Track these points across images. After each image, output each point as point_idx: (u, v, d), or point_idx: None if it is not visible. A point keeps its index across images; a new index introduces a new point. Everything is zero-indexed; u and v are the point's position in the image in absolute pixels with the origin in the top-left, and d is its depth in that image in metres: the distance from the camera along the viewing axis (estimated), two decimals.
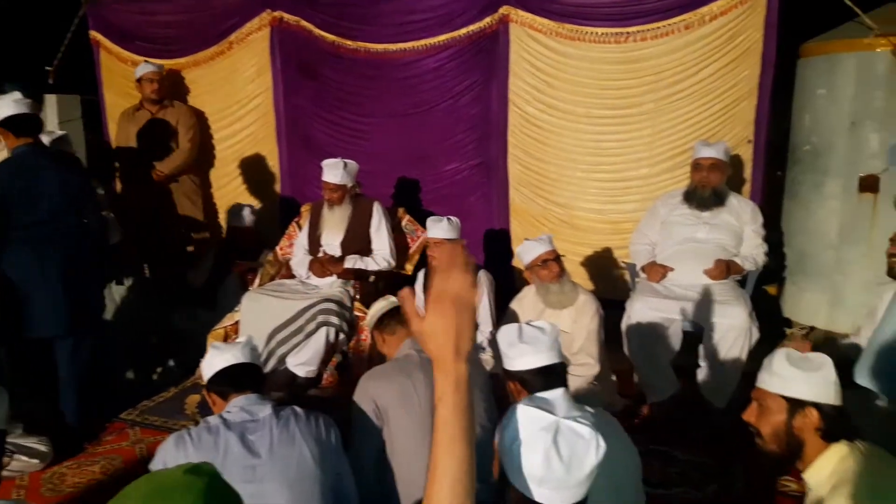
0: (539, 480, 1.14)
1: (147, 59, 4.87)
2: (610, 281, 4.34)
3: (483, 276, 3.55)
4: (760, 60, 3.88)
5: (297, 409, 2.02)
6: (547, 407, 1.19)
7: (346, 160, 3.82)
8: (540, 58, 4.30)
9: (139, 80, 4.68)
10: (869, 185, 3.83)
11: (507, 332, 1.96)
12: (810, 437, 1.62)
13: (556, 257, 3.18)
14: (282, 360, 3.50)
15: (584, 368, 3.09)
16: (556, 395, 1.24)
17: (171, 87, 4.92)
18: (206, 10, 4.97)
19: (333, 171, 3.76)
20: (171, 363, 4.06)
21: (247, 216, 4.55)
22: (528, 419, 1.18)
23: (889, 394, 2.31)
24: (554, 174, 4.44)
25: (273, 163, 5.07)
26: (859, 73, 3.77)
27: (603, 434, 1.17)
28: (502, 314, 3.57)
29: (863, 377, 2.34)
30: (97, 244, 3.32)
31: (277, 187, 5.08)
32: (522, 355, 1.88)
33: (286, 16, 4.78)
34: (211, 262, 4.54)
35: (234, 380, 2.04)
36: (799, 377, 1.62)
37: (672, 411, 3.30)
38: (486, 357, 3.37)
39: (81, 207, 3.16)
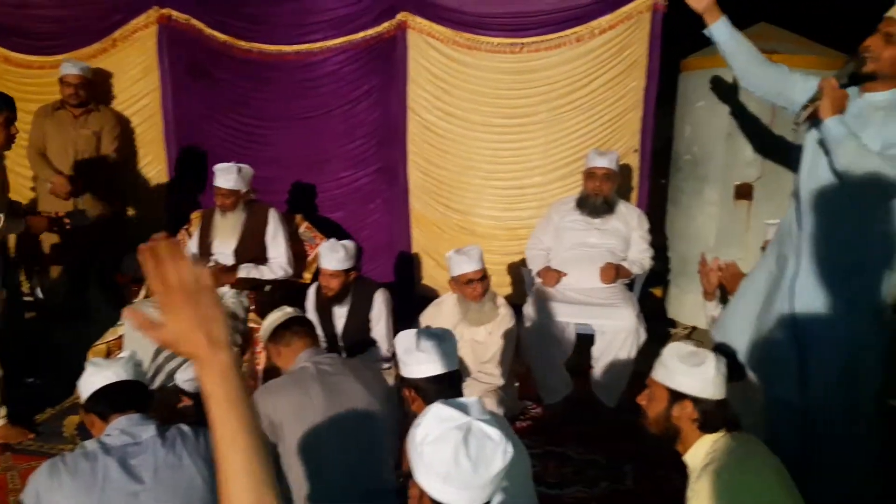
0: (445, 478, 1.16)
1: (69, 58, 4.51)
2: (507, 286, 4.44)
3: (380, 295, 3.45)
4: (646, 73, 4.10)
5: (184, 427, 1.91)
6: (461, 409, 1.22)
7: (240, 164, 3.68)
8: (438, 65, 4.34)
9: (60, 81, 4.31)
10: (743, 192, 4.11)
11: (404, 339, 1.95)
12: (687, 426, 1.76)
13: (482, 277, 3.10)
14: (170, 376, 3.32)
15: (490, 378, 3.12)
16: (471, 401, 1.26)
17: (95, 90, 4.55)
18: (89, 4, 4.66)
19: (226, 176, 3.61)
20: (32, 380, 3.77)
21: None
22: (442, 417, 1.20)
23: (765, 379, 2.49)
24: (453, 181, 4.49)
25: (161, 167, 4.82)
26: (735, 87, 4.03)
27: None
28: (407, 321, 3.54)
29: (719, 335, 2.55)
30: None
31: (165, 192, 4.84)
32: (419, 363, 1.89)
33: (175, 13, 4.57)
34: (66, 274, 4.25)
35: (114, 399, 1.90)
36: (681, 371, 1.74)
37: (567, 412, 3.41)
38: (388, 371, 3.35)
39: None
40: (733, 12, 3.63)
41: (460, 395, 1.93)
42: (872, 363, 2.26)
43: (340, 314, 3.42)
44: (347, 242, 3.34)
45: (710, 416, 1.73)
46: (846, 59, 2.26)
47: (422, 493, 1.20)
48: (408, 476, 1.26)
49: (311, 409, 2.12)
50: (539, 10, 4.09)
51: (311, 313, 3.47)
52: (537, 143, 4.33)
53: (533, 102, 4.26)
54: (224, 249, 3.67)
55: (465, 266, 3.07)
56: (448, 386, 1.87)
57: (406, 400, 1.97)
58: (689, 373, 1.74)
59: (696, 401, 1.73)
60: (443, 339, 1.93)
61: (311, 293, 3.50)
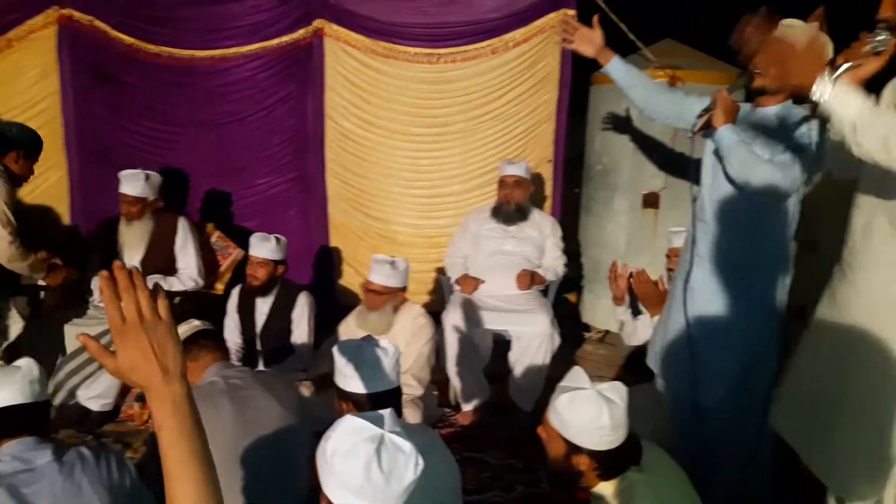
0: (357, 491, 1.14)
1: None
2: (427, 294, 4.46)
3: (304, 297, 3.45)
4: (558, 86, 4.22)
5: (85, 451, 1.79)
6: (374, 420, 1.20)
7: (147, 171, 3.56)
8: (356, 73, 4.32)
9: None
10: (651, 201, 4.29)
11: (345, 349, 1.90)
12: (588, 473, 1.71)
13: (386, 291, 3.07)
14: (72, 393, 3.16)
15: (409, 389, 3.11)
16: (385, 412, 1.25)
17: None
18: None
19: (133, 183, 3.48)
20: None
21: None
22: (354, 429, 1.18)
23: (665, 377, 2.61)
24: (373, 189, 4.47)
25: (60, 174, 4.57)
26: None
27: (424, 450, 1.19)
28: (326, 329, 3.52)
29: (651, 363, 2.63)
30: None
31: (66, 201, 4.60)
32: (360, 378, 1.84)
33: (77, 14, 4.34)
34: None
35: (4, 423, 1.78)
36: (575, 426, 1.66)
37: (485, 417, 3.45)
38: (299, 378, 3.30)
39: None
40: (639, 28, 3.82)
41: (400, 412, 1.91)
42: (769, 362, 2.40)
43: (263, 311, 3.41)
44: (278, 236, 3.41)
45: (610, 463, 1.68)
46: (739, 74, 2.40)
47: (350, 410, 1.19)
48: (316, 489, 1.24)
49: (220, 424, 2.05)
50: (454, 21, 4.14)
51: (232, 314, 3.43)
52: (455, 153, 4.38)
53: (450, 112, 4.31)
54: (131, 260, 3.53)
55: (373, 273, 3.11)
56: (387, 404, 1.75)
57: (341, 412, 1.92)
58: (584, 428, 1.65)
59: (593, 454, 1.66)
60: (387, 354, 1.89)
61: (235, 292, 3.53)
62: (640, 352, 4.10)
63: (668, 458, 1.84)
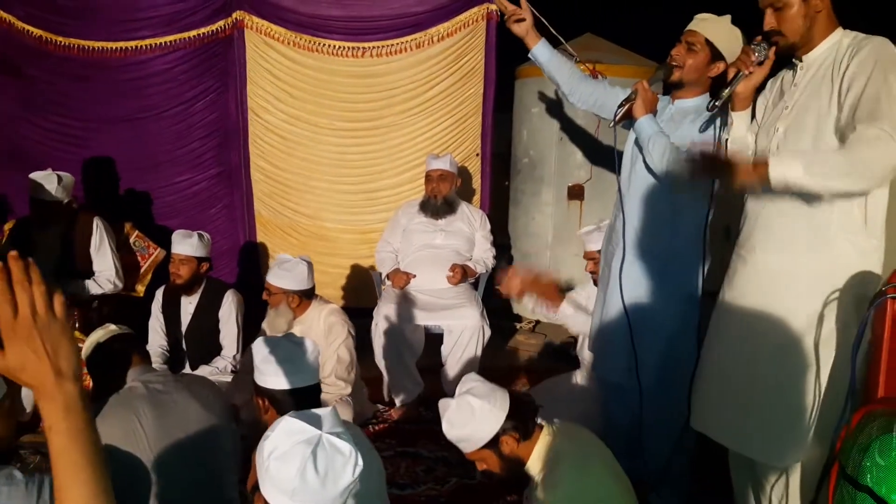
0: (292, 493, 1.13)
1: None
2: (359, 289, 4.43)
3: (231, 294, 3.38)
4: (483, 80, 4.25)
5: (17, 473, 1.51)
6: (313, 421, 1.19)
7: (60, 173, 3.39)
8: (279, 66, 4.24)
9: None
10: (576, 193, 4.39)
11: (262, 346, 1.88)
12: (520, 449, 1.83)
13: (282, 292, 3.03)
14: None
15: (337, 388, 3.08)
16: (325, 411, 1.24)
17: None
18: None
19: (45, 186, 3.32)
20: None
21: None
22: (291, 430, 1.17)
23: (600, 370, 2.67)
24: (300, 185, 4.41)
25: None
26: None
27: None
28: (253, 328, 3.44)
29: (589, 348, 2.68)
30: None
31: None
32: (277, 374, 1.82)
33: None
34: None
35: None
36: (474, 424, 1.81)
37: (419, 411, 3.46)
38: (226, 379, 3.23)
39: None
40: (560, 23, 3.88)
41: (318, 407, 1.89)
42: (689, 346, 2.49)
43: (188, 310, 3.33)
44: (201, 232, 3.32)
45: (521, 425, 1.82)
46: (657, 67, 2.49)
47: (268, 407, 1.16)
48: (254, 489, 1.22)
49: (140, 431, 1.99)
50: (378, 14, 4.12)
51: (157, 315, 3.34)
52: (384, 147, 4.36)
53: (378, 107, 4.29)
54: (45, 264, 3.36)
55: (270, 276, 3.06)
56: (306, 401, 1.81)
57: (258, 409, 1.90)
58: (481, 420, 1.80)
59: (504, 431, 1.80)
60: (306, 351, 1.88)
61: (158, 293, 3.44)
62: (567, 343, 4.21)
63: (593, 435, 1.91)
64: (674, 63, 2.35)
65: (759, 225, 1.96)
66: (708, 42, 2.30)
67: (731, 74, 2.00)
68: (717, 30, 2.31)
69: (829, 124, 1.80)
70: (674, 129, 2.38)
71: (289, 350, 1.86)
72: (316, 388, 1.90)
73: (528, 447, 1.84)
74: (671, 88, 2.46)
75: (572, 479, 1.73)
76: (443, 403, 1.89)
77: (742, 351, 1.98)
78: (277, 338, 1.91)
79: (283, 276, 3.02)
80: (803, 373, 1.85)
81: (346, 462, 1.16)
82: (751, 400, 1.95)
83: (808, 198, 1.79)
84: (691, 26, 2.36)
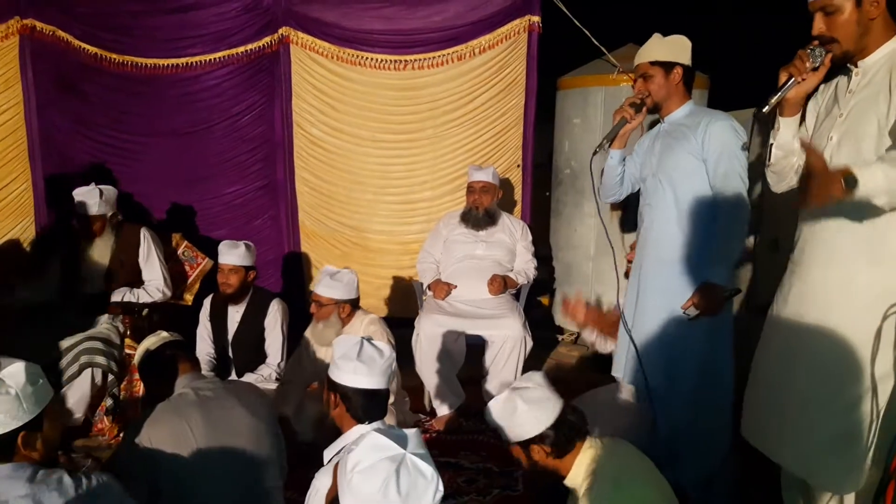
0: None
1: None
2: (401, 300, 4.46)
3: (276, 304, 3.42)
4: (524, 91, 4.26)
5: (66, 478, 1.58)
6: (398, 440, 1.20)
7: (102, 186, 3.51)
8: (323, 80, 4.32)
9: None
10: (618, 204, 4.33)
11: (345, 343, 1.93)
12: (550, 461, 1.82)
13: (329, 302, 3.05)
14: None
15: None
16: (411, 432, 1.25)
17: None
18: None
19: (89, 201, 3.45)
20: None
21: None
22: (377, 446, 1.18)
23: (632, 382, 2.64)
24: (343, 197, 4.48)
25: (26, 184, 4.49)
26: (607, 105, 4.24)
27: None
28: (296, 339, 3.49)
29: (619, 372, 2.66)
30: None
31: (30, 213, 4.51)
32: (354, 372, 1.86)
33: (39, 24, 4.28)
34: None
35: None
36: (512, 425, 1.83)
37: (460, 422, 3.46)
38: (271, 387, 3.27)
39: None
40: (603, 33, 3.87)
41: (384, 414, 1.93)
42: (726, 357, 2.45)
43: (234, 318, 3.39)
44: (247, 242, 3.39)
45: (557, 441, 1.81)
46: (614, 124, 2.68)
47: (337, 402, 1.16)
48: (334, 502, 1.22)
49: (190, 438, 2.04)
50: (420, 28, 4.17)
51: (204, 323, 3.41)
52: (425, 159, 4.39)
53: (419, 119, 4.33)
54: (95, 276, 3.48)
55: (319, 286, 3.09)
56: (376, 403, 1.87)
57: (327, 403, 1.94)
58: (520, 422, 1.81)
59: (540, 438, 1.80)
60: (383, 356, 1.92)
61: (207, 302, 3.50)
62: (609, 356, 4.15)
63: (635, 448, 1.88)
64: (641, 97, 2.51)
65: (815, 239, 1.91)
66: (654, 63, 2.47)
67: (782, 79, 1.90)
68: (653, 50, 2.50)
69: (888, 132, 1.74)
70: (674, 140, 2.46)
71: (368, 351, 1.90)
72: (386, 394, 1.93)
73: (566, 461, 1.82)
74: (655, 111, 2.58)
75: (612, 494, 1.71)
76: (500, 390, 1.93)
77: (796, 367, 1.93)
78: (359, 337, 1.95)
79: (334, 286, 3.06)
80: (860, 393, 1.78)
81: (427, 485, 1.16)
82: (805, 419, 1.89)
83: (867, 212, 1.72)
84: (636, 63, 2.55)
